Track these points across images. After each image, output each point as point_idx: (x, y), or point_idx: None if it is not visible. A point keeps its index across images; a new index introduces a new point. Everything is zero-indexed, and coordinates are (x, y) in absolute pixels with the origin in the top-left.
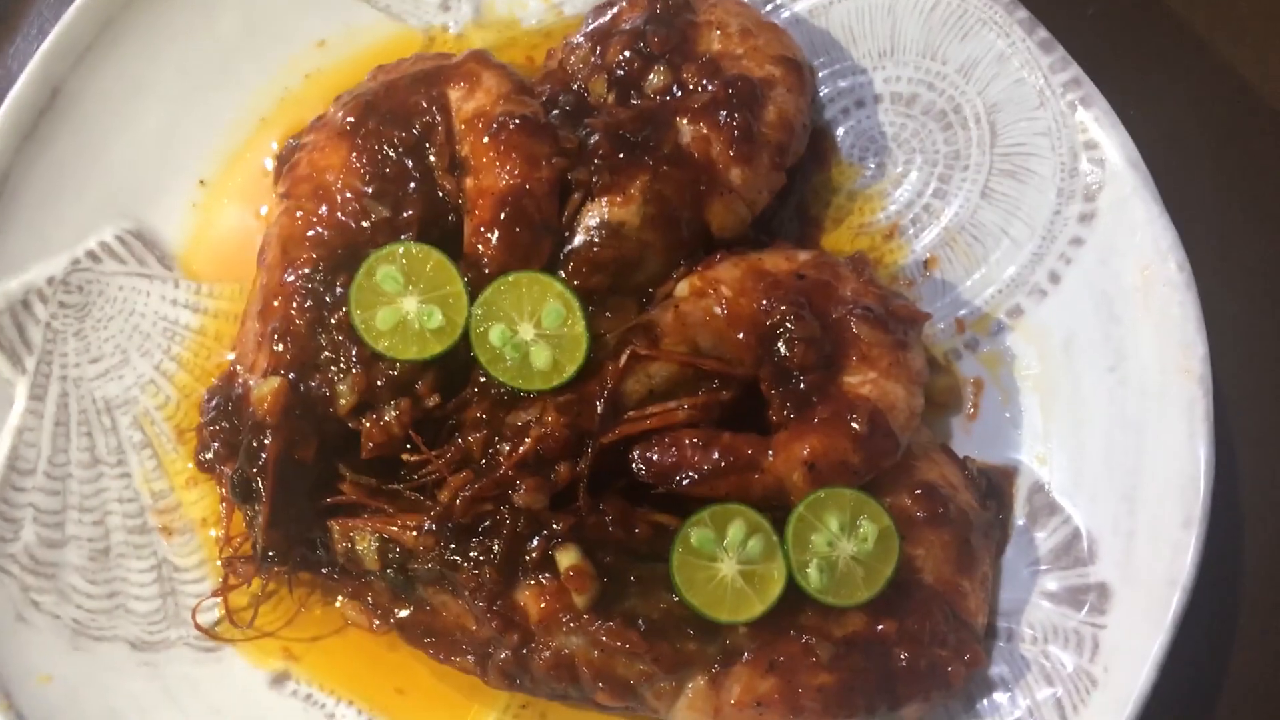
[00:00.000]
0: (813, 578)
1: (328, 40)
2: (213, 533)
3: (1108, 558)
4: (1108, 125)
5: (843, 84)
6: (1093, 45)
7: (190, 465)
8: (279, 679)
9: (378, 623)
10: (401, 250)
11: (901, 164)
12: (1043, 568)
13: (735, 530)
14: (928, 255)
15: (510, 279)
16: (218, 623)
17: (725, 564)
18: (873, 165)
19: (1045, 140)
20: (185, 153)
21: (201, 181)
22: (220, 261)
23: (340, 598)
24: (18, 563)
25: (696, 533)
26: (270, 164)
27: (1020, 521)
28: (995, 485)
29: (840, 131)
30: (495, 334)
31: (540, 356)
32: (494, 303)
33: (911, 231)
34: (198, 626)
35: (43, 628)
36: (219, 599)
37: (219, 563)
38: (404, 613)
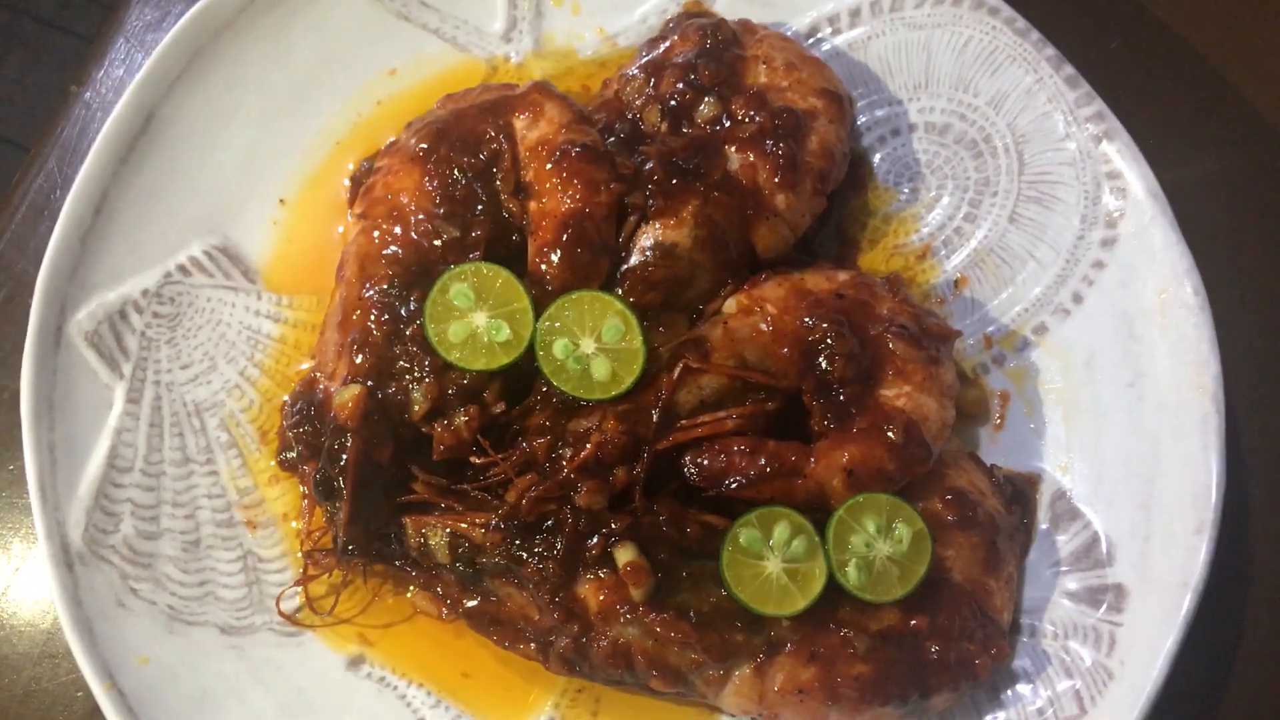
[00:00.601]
0: (851, 576)
1: (398, 68)
2: (294, 525)
3: (1125, 560)
4: (1129, 158)
5: (880, 114)
6: (1117, 78)
7: (273, 464)
8: (355, 662)
9: (446, 612)
10: (473, 269)
11: (934, 189)
12: (1064, 569)
13: (780, 531)
14: (958, 275)
15: (573, 297)
16: (299, 610)
17: (771, 562)
18: (907, 190)
19: (1070, 170)
20: (266, 174)
21: (281, 200)
22: (299, 275)
23: (411, 588)
24: (118, 553)
25: (745, 533)
26: (346, 184)
27: (1043, 526)
28: (1020, 492)
29: (877, 158)
30: (559, 347)
31: (600, 368)
32: (558, 318)
33: (943, 253)
34: (281, 613)
35: (141, 613)
36: (300, 588)
37: (300, 555)
38: (471, 603)
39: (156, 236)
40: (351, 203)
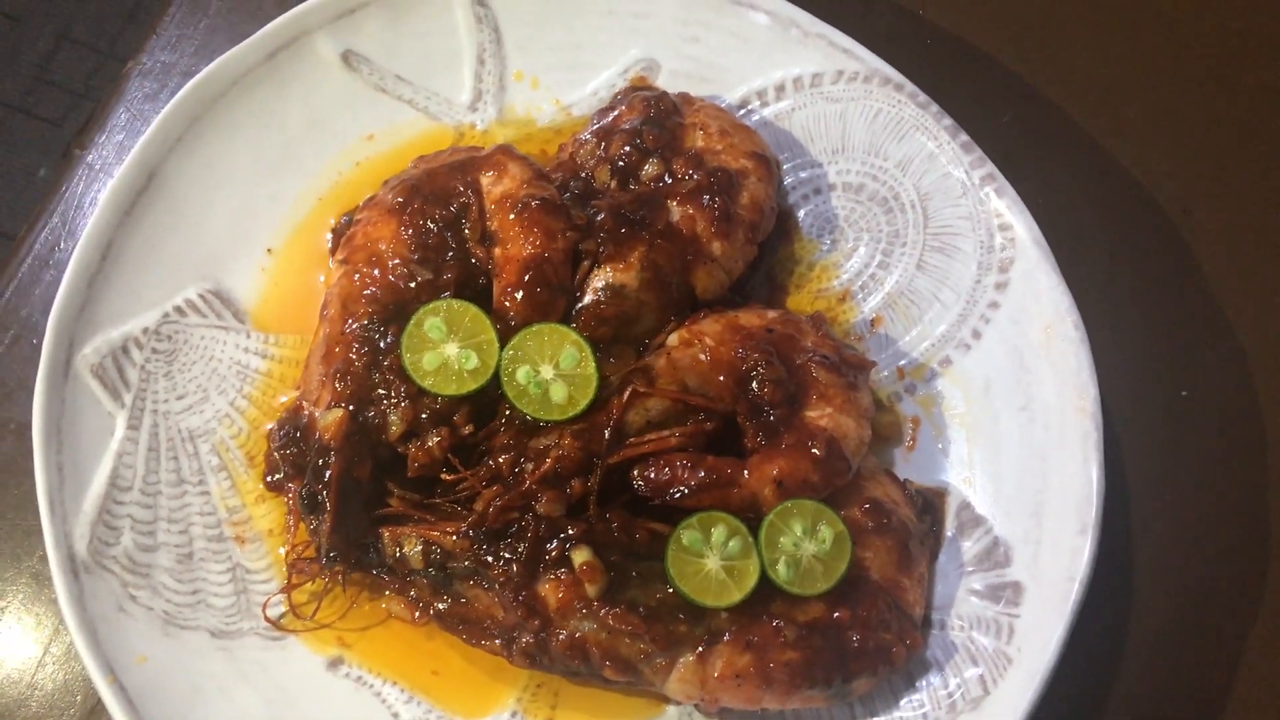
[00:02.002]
0: (781, 572)
1: (375, 134)
2: (282, 550)
3: (1020, 560)
4: (1016, 211)
5: (803, 175)
6: (1007, 145)
7: (259, 486)
8: (334, 663)
9: (418, 615)
10: (445, 305)
11: (852, 240)
12: (968, 570)
13: (718, 533)
14: (874, 315)
15: (534, 329)
16: (283, 616)
17: (710, 560)
18: (828, 241)
19: (967, 223)
20: (256, 226)
21: (269, 250)
22: (284, 316)
23: (387, 594)
24: (119, 563)
25: (687, 534)
26: (328, 236)
27: (950, 533)
28: (930, 503)
29: (801, 214)
30: (521, 373)
31: (558, 392)
32: (520, 348)
33: (860, 296)
34: (266, 619)
35: (139, 618)
36: (284, 596)
37: (285, 566)
38: (442, 605)
39: (156, 281)
40: (333, 252)
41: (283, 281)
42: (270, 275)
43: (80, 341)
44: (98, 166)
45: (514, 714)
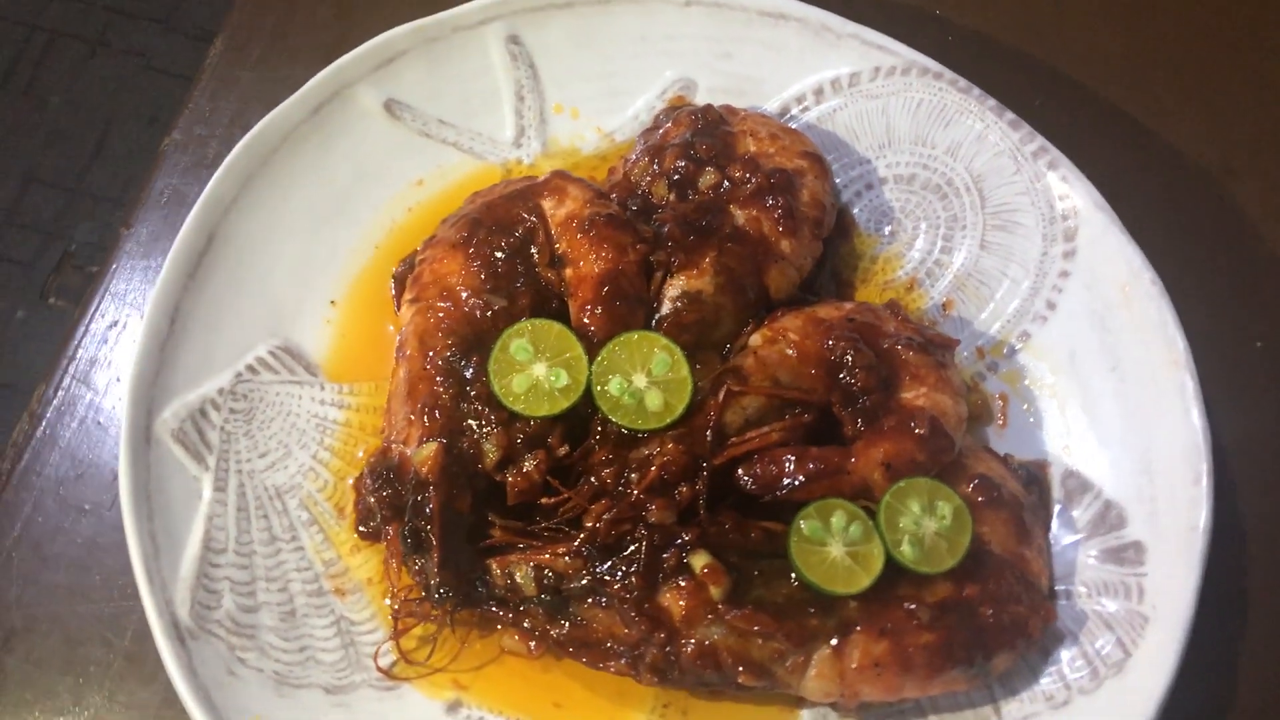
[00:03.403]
0: (907, 552)
1: (424, 179)
2: (387, 600)
3: (1137, 519)
4: (1074, 179)
5: (853, 173)
6: (1043, 128)
7: (353, 536)
8: (453, 707)
9: (534, 645)
10: (529, 325)
11: (910, 230)
12: (1084, 537)
13: (838, 519)
14: (944, 299)
15: (621, 339)
16: (394, 664)
17: (834, 547)
18: (887, 233)
19: (1025, 198)
20: (317, 279)
21: (332, 302)
22: (355, 365)
23: (499, 629)
24: (223, 626)
25: (807, 524)
26: (391, 283)
27: (1059, 502)
28: (1033, 476)
29: (857, 210)
30: (614, 385)
31: (654, 399)
32: (610, 359)
33: (928, 283)
34: (379, 669)
35: (250, 680)
36: (393, 643)
37: (391, 613)
38: (560, 631)
39: (226, 342)
40: (396, 299)
41: (349, 332)
42: (336, 326)
43: (158, 407)
44: (145, 238)
45: None
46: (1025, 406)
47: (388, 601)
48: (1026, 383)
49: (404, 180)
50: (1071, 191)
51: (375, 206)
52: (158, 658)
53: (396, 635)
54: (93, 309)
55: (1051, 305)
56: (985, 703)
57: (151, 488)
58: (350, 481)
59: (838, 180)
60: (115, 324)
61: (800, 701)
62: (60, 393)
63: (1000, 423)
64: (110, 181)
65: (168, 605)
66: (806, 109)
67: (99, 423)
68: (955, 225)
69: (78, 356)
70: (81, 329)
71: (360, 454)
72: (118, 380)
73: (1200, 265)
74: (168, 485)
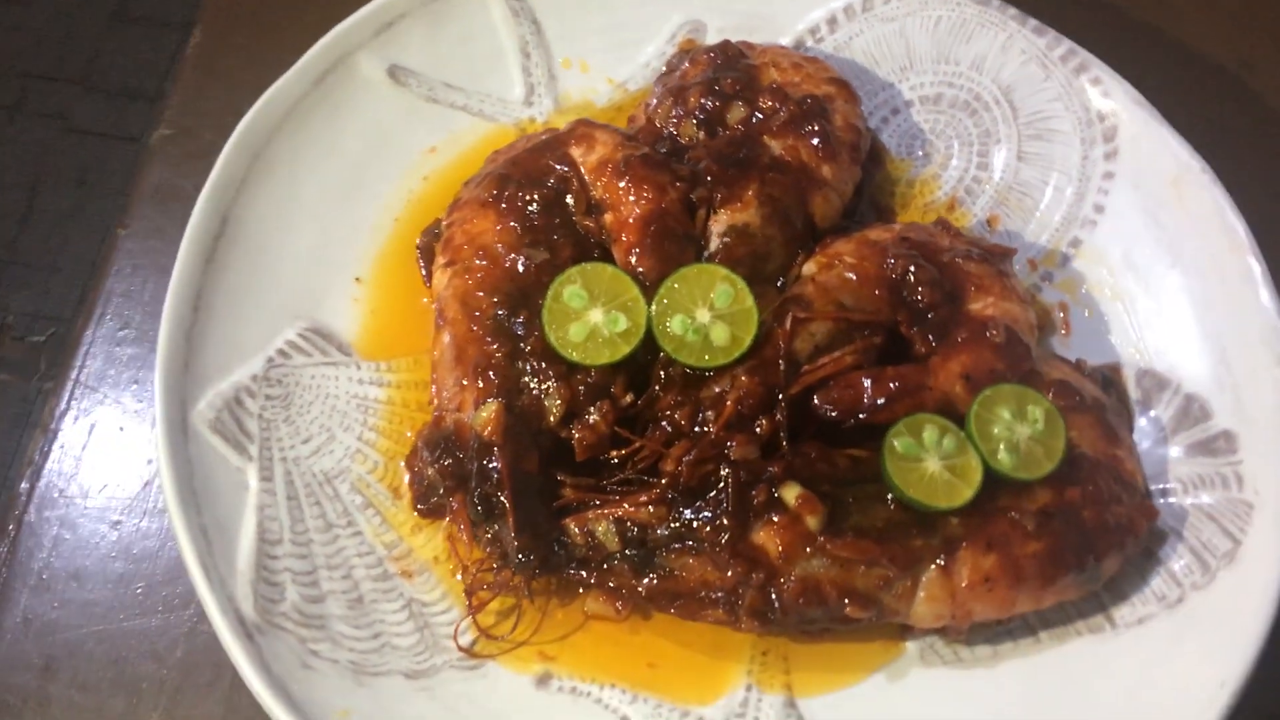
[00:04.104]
0: (1004, 460)
1: (437, 146)
2: (458, 576)
3: (1222, 409)
4: (1108, 77)
5: (877, 99)
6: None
7: (413, 515)
8: (543, 680)
9: (621, 606)
10: (579, 271)
11: (943, 150)
12: (1170, 433)
13: (929, 433)
14: (988, 215)
15: (680, 273)
16: (475, 642)
17: (930, 462)
18: (920, 156)
19: (1059, 104)
20: (339, 257)
21: (357, 279)
22: (389, 341)
23: (581, 594)
24: (290, 619)
25: (899, 441)
26: (417, 254)
27: (1138, 403)
28: (1108, 379)
29: (886, 136)
30: (677, 323)
31: (720, 334)
32: (669, 297)
33: (968, 200)
34: (460, 648)
35: (327, 672)
36: (471, 620)
37: (465, 590)
38: (649, 585)
39: (253, 326)
40: (425, 270)
41: (379, 307)
42: (364, 304)
43: (192, 398)
44: (144, 234)
45: (749, 688)
46: (1087, 313)
47: (459, 578)
48: (1085, 289)
49: (416, 149)
50: (1108, 89)
51: (390, 178)
52: (214, 666)
53: (473, 611)
54: (96, 315)
55: (1099, 208)
56: (1096, 612)
57: (196, 482)
58: (402, 462)
59: (863, 108)
60: (125, 326)
61: (905, 633)
62: (73, 403)
63: (1063, 332)
64: (41, 248)
65: (230, 601)
66: (821, 40)
67: (120, 429)
68: (989, 140)
69: (85, 365)
70: (87, 337)
71: (409, 434)
72: (134, 384)
73: (1230, 163)
74: (212, 478)
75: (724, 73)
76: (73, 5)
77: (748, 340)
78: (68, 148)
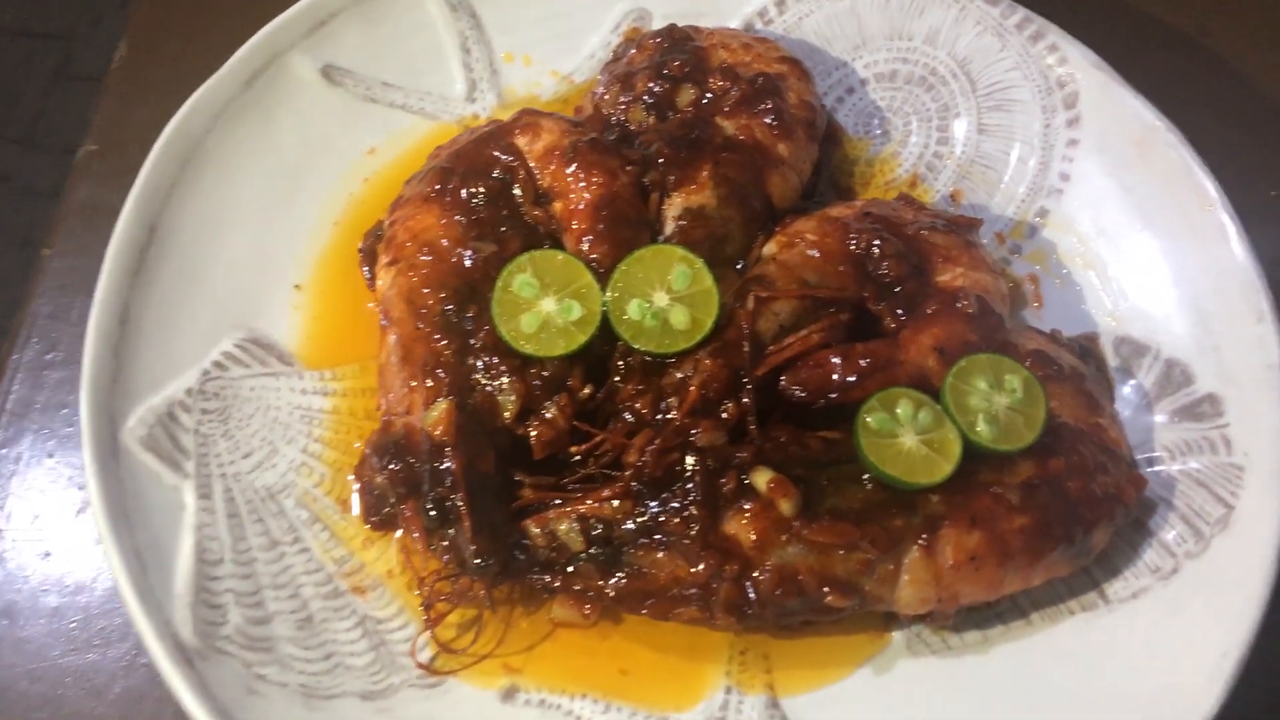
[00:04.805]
0: (983, 432)
1: (376, 147)
2: (417, 593)
3: (1205, 372)
4: (1066, 43)
5: (831, 79)
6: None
7: (364, 528)
8: (508, 693)
9: (589, 610)
10: (529, 258)
11: (901, 127)
12: (1153, 400)
13: (904, 408)
14: (951, 190)
15: (635, 256)
16: (435, 659)
17: (906, 437)
18: (879, 134)
19: (1017, 73)
20: (276, 264)
21: (297, 286)
22: (333, 349)
23: (546, 600)
24: (234, 643)
25: (873, 417)
26: (360, 256)
27: (1117, 372)
28: (1085, 349)
29: (842, 115)
30: (633, 308)
31: (679, 317)
32: (625, 281)
33: (930, 176)
34: (419, 665)
35: (275, 697)
36: (429, 635)
37: (421, 603)
38: (617, 585)
39: (185, 339)
40: (368, 274)
41: (321, 314)
42: (306, 311)
43: (122, 415)
44: (71, 253)
45: (728, 690)
46: (1059, 283)
47: (416, 592)
48: (1055, 259)
49: (355, 150)
50: (1067, 55)
51: (328, 181)
52: (156, 700)
53: (431, 625)
54: (21, 339)
55: (1065, 176)
56: (1088, 589)
57: (128, 502)
58: (351, 475)
59: (817, 89)
60: (52, 349)
61: (890, 623)
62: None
63: (1036, 304)
64: None
65: (167, 626)
66: (771, 22)
67: (49, 455)
68: (948, 114)
69: (11, 392)
70: (13, 363)
71: (357, 444)
72: (64, 408)
73: (1199, 125)
74: (145, 497)
75: (671, 56)
76: (14, 63)
77: (709, 323)
78: (11, 208)
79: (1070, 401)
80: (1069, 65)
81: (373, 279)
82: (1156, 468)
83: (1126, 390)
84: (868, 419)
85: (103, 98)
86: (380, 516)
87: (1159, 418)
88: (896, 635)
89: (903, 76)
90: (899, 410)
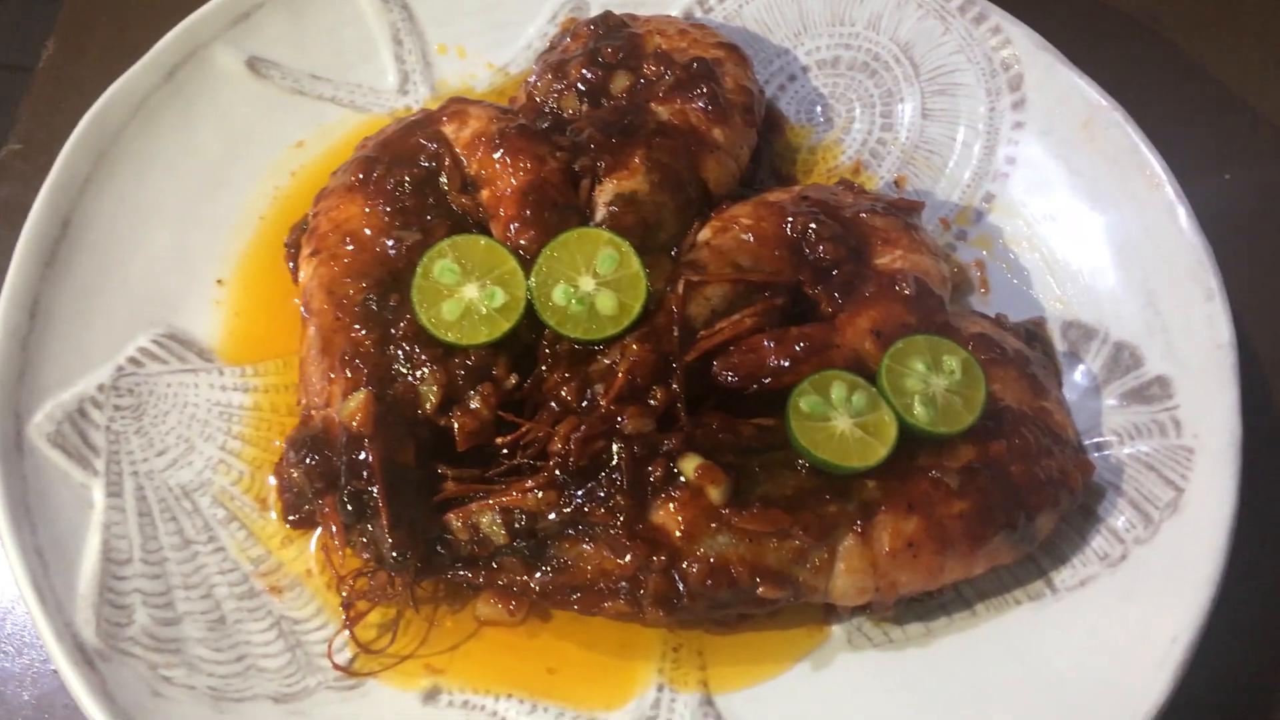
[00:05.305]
0: (920, 414)
1: (304, 140)
2: (342, 591)
3: (1153, 354)
4: (1009, 25)
5: (772, 67)
6: None
7: (285, 526)
8: (430, 695)
9: (514, 607)
10: (450, 244)
11: (844, 114)
12: (1102, 384)
13: (837, 391)
14: (895, 176)
15: (559, 239)
16: (354, 660)
17: (839, 420)
18: (821, 122)
19: (960, 56)
20: (197, 259)
21: (219, 281)
22: (255, 345)
23: (471, 597)
24: (139, 644)
25: (804, 400)
26: (286, 251)
27: (1065, 356)
28: (1032, 332)
29: (784, 104)
30: (559, 293)
31: (606, 302)
32: (550, 266)
33: (874, 163)
34: (336, 666)
35: (181, 699)
36: (348, 636)
37: (341, 602)
38: (542, 580)
39: (99, 334)
40: (293, 268)
41: (244, 310)
42: (228, 307)
43: (28, 410)
44: None
45: (660, 688)
46: (1004, 267)
47: (341, 592)
48: (1001, 243)
49: (281, 144)
50: (1010, 37)
51: (253, 175)
52: (64, 709)
53: (350, 624)
54: None
55: (1010, 160)
56: (1034, 578)
57: (30, 500)
58: (271, 475)
59: (758, 77)
60: None
61: (829, 615)
62: None
63: (982, 290)
64: None
65: (68, 627)
66: (710, 10)
67: None
68: (891, 100)
69: None
70: None
71: (278, 442)
72: None
73: (1150, 111)
74: (50, 495)
75: (606, 42)
76: None
77: (637, 308)
78: None
79: (1014, 385)
80: (1013, 47)
81: (297, 273)
82: (1105, 452)
83: (1075, 375)
84: (799, 402)
85: (28, 96)
86: (300, 515)
87: (1108, 401)
88: (836, 629)
89: (845, 63)
90: (832, 393)
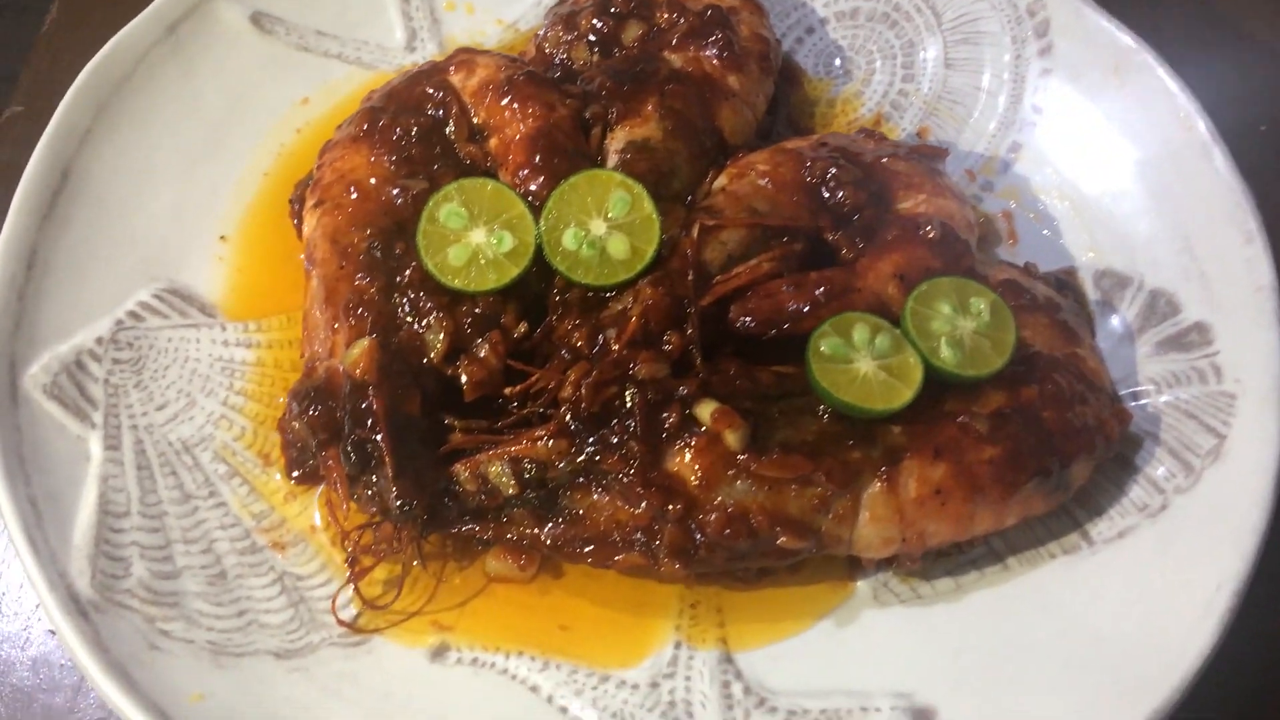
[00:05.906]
0: (947, 357)
1: (310, 97)
2: (347, 547)
3: (1191, 300)
4: None
5: (790, 19)
6: None
7: (290, 481)
8: (438, 651)
9: (524, 561)
10: (457, 187)
11: (864, 66)
12: (1137, 332)
13: (860, 332)
14: (918, 128)
15: (569, 182)
16: (358, 616)
17: (862, 362)
18: (840, 74)
19: (984, 3)
20: (201, 215)
21: (223, 237)
22: (259, 301)
23: (480, 552)
24: (136, 596)
25: (825, 342)
26: (290, 210)
27: (1098, 305)
28: (1063, 281)
29: (801, 56)
30: (569, 237)
31: (618, 246)
32: (559, 209)
33: (895, 115)
34: (340, 623)
35: (179, 653)
36: (354, 591)
37: (346, 557)
38: (554, 532)
39: (98, 287)
40: (298, 224)
41: (247, 266)
42: (231, 263)
43: (24, 360)
44: None
45: (678, 645)
46: (1033, 217)
47: (346, 547)
48: (1030, 193)
49: (286, 101)
50: None
51: (258, 131)
52: (61, 667)
53: (355, 579)
54: None
55: (1038, 108)
56: (1070, 530)
57: (25, 450)
58: (275, 430)
59: (776, 29)
60: None
61: (854, 570)
62: None
63: (1010, 241)
64: None
65: (62, 577)
66: None
67: None
68: (913, 50)
69: None
70: None
71: (281, 398)
72: None
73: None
74: (46, 446)
75: None
76: None
77: (650, 251)
78: None
79: (1044, 332)
80: None
81: (302, 229)
82: (1142, 401)
83: (1109, 324)
84: (820, 344)
85: (30, 60)
86: (304, 470)
87: (1143, 350)
88: (861, 585)
89: (865, 13)
90: (854, 335)
